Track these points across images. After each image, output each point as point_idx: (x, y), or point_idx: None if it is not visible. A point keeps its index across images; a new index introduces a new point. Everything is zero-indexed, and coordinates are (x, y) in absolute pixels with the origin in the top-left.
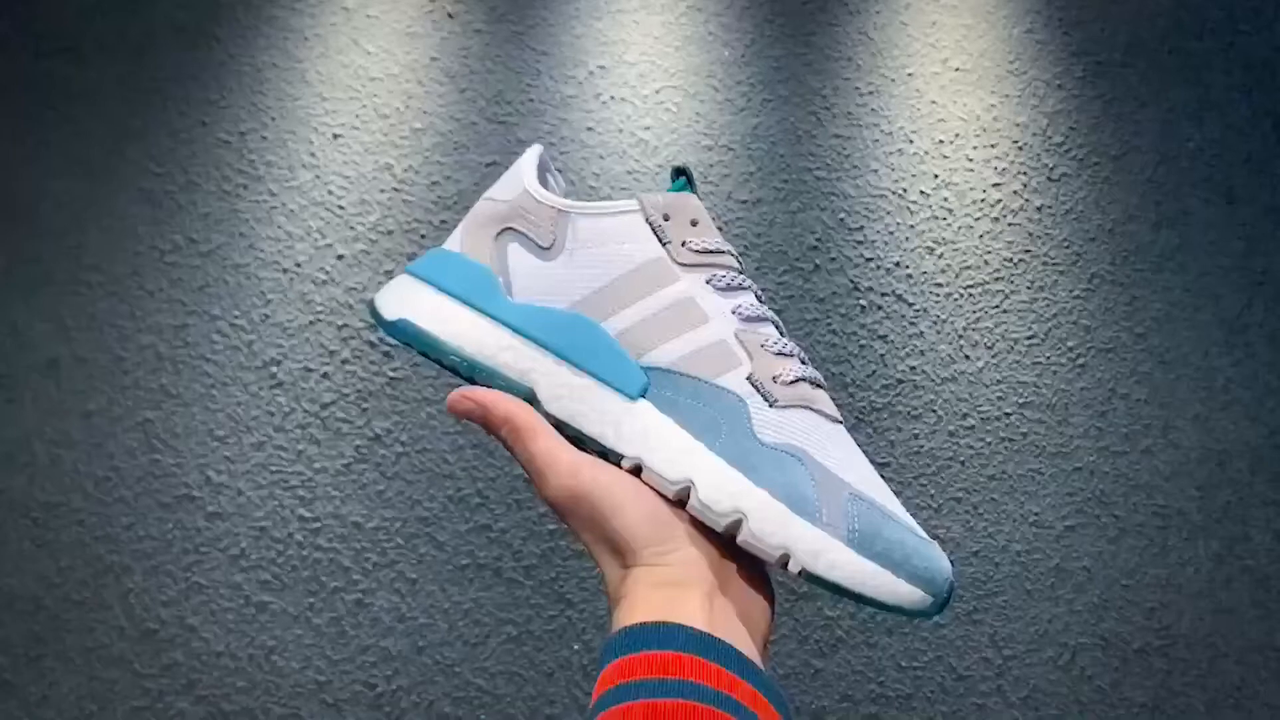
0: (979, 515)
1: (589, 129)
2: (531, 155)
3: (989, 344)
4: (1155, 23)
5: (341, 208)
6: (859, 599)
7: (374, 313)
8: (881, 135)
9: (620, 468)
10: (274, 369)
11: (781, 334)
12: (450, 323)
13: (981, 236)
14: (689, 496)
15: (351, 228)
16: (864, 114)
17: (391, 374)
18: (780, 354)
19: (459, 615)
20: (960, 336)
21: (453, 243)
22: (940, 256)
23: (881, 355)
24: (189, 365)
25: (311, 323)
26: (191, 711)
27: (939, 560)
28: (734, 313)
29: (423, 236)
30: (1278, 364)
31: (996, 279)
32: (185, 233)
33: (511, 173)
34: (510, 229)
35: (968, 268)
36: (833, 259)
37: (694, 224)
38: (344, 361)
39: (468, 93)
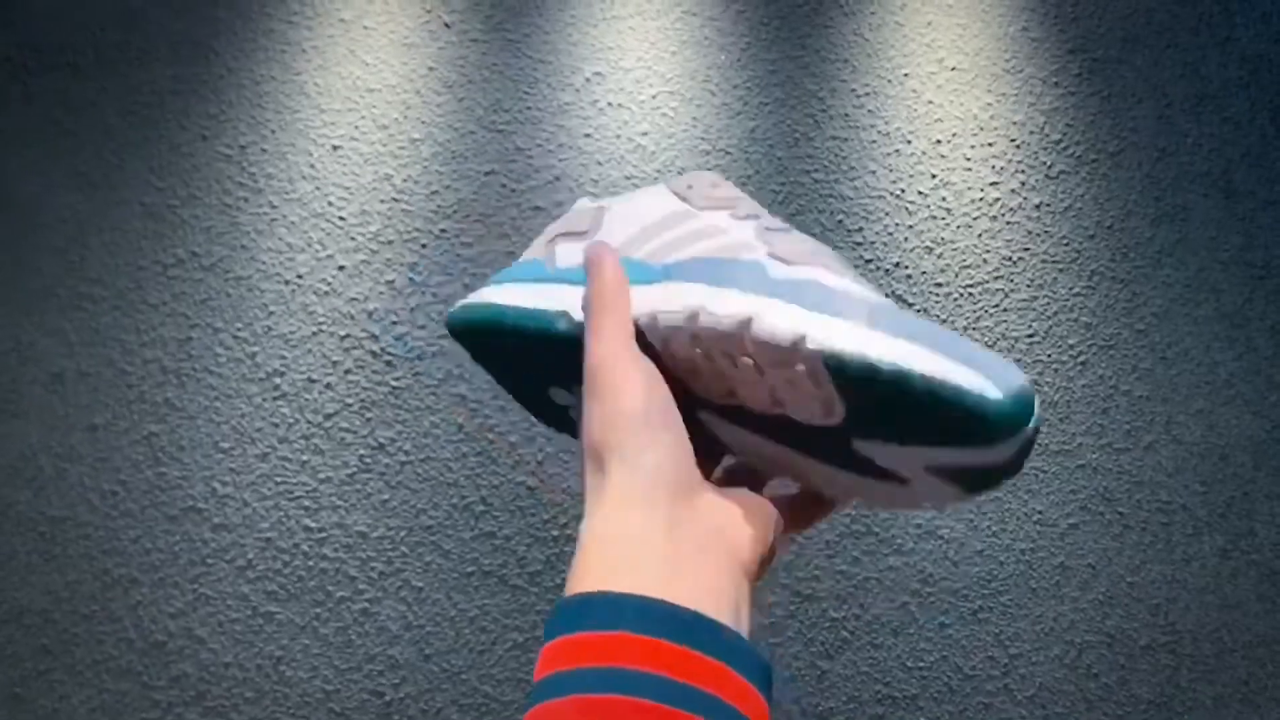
0: (983, 514)
1: (586, 135)
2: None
3: (990, 343)
4: (1152, 17)
5: (342, 219)
6: (899, 384)
7: (449, 321)
8: (879, 136)
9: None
10: (277, 380)
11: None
12: (496, 295)
13: (980, 235)
14: (699, 316)
15: (352, 238)
16: (861, 115)
17: (394, 383)
18: (781, 230)
19: (465, 623)
20: (961, 336)
21: (533, 249)
22: (939, 256)
23: None
24: (193, 378)
25: (314, 334)
26: None
27: (1007, 365)
28: (752, 222)
29: (423, 246)
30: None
31: (996, 278)
32: (187, 246)
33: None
34: (560, 234)
35: (967, 267)
36: None
37: (714, 185)
38: (346, 372)
39: (465, 102)
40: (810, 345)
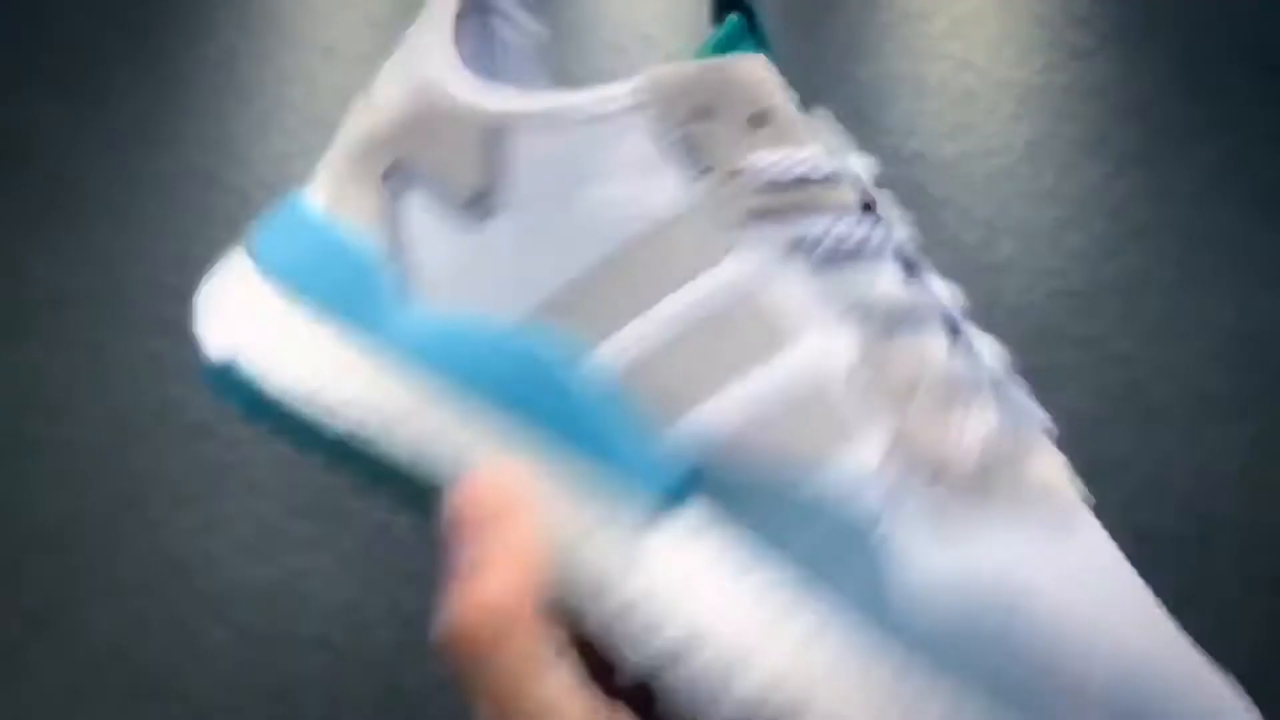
0: None
1: (590, 25)
2: (446, 5)
3: (1015, 232)
4: None
5: (337, 123)
6: None
7: (199, 343)
8: (896, 16)
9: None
10: None
11: (956, 334)
12: (306, 363)
13: (1004, 119)
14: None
15: None
16: None
17: None
18: (946, 397)
19: None
20: (985, 225)
21: (313, 190)
22: (961, 142)
23: None
24: (193, 294)
25: None
26: (224, 638)
27: None
28: (855, 306)
29: None
30: None
31: (1020, 163)
32: (179, 158)
33: (408, 45)
34: (404, 165)
35: (990, 153)
36: None
37: (756, 123)
38: None
39: None
40: None
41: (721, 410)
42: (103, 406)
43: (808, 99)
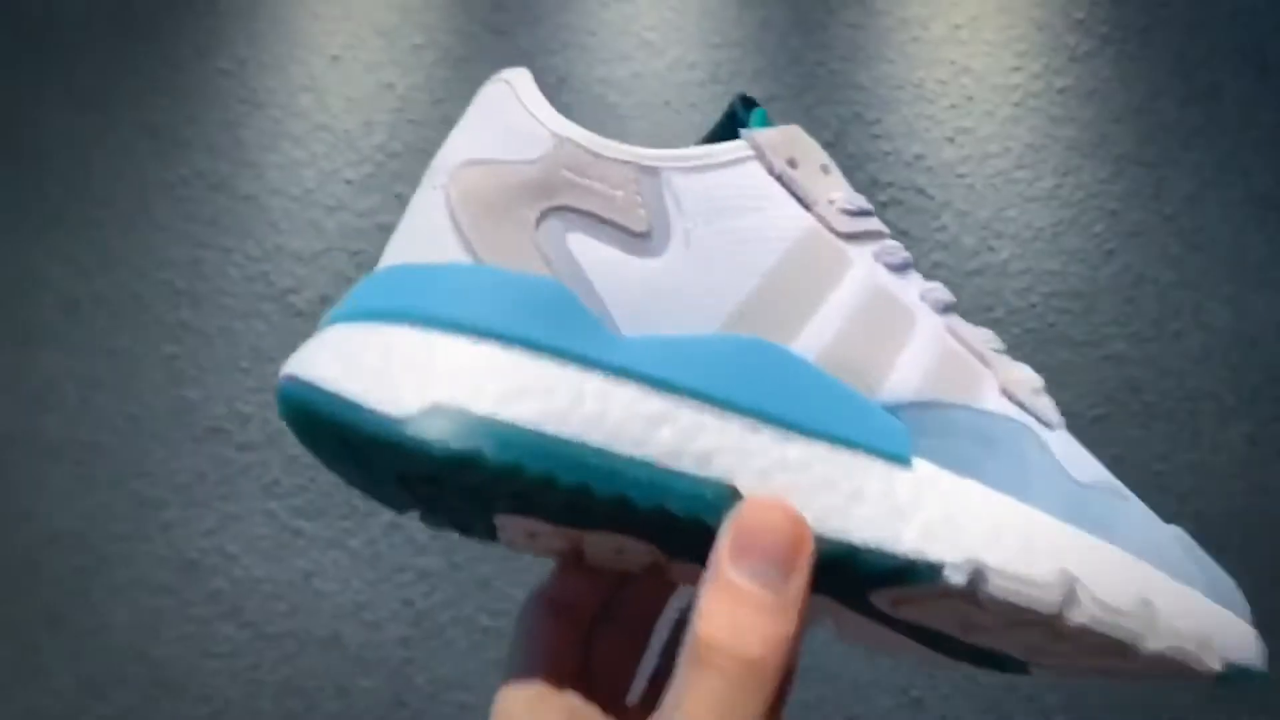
0: None
1: (591, 33)
2: (525, 80)
3: (1013, 234)
4: None
5: (346, 130)
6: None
7: (322, 409)
8: (895, 22)
9: (932, 584)
10: (291, 298)
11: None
12: (533, 395)
13: (1002, 123)
14: (1076, 599)
15: (357, 151)
16: (877, 1)
17: None
18: (1000, 352)
19: None
20: (984, 228)
21: (441, 246)
22: (961, 146)
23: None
24: (207, 299)
25: (325, 250)
26: (237, 636)
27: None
28: (924, 299)
29: (430, 156)
30: None
31: (1019, 167)
32: (191, 165)
33: (510, 113)
34: (561, 208)
35: (990, 156)
36: (850, 154)
37: (825, 170)
38: None
39: (466, 3)
40: (1214, 664)
41: (905, 379)
42: (119, 409)
43: (810, 104)
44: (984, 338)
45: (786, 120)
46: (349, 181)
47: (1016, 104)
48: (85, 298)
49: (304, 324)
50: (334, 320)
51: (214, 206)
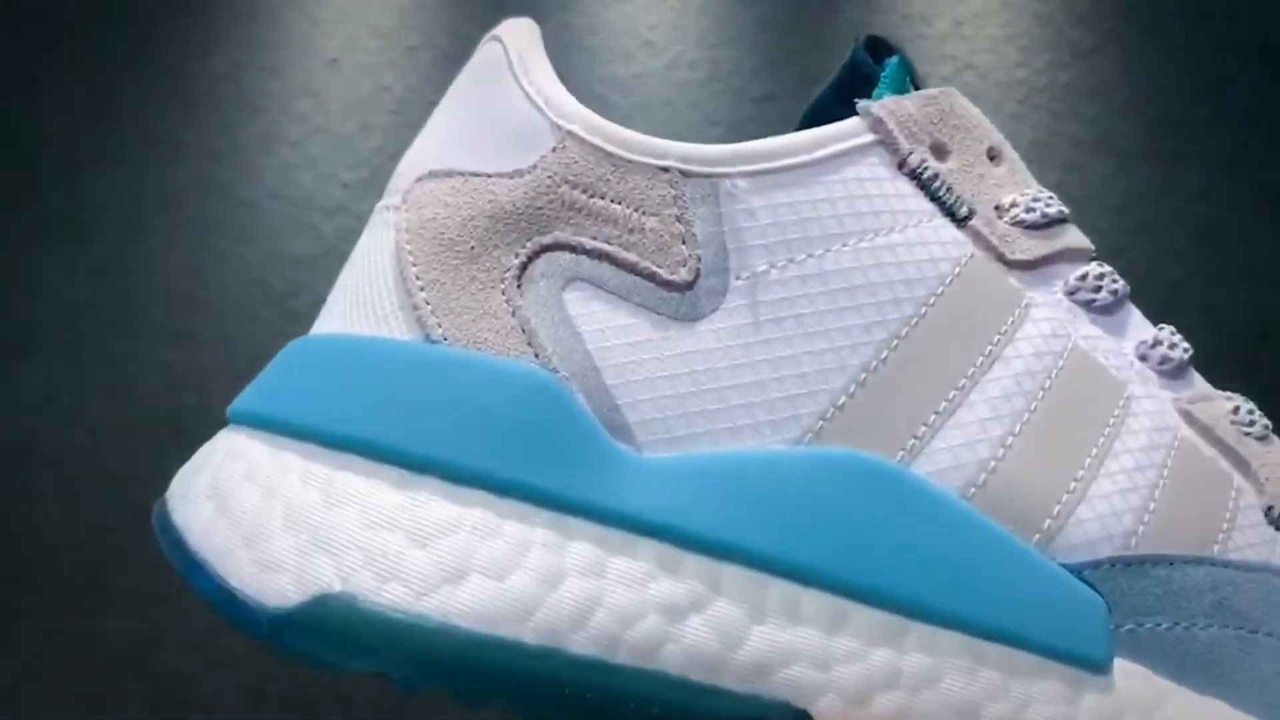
0: None
1: (591, 33)
2: (526, 38)
3: None
4: None
5: (344, 134)
6: None
7: (189, 576)
8: (898, 19)
9: None
10: (290, 303)
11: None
12: (479, 573)
13: (1007, 119)
14: None
15: (355, 154)
16: None
17: None
18: (1264, 435)
19: None
20: None
21: (380, 309)
22: None
23: None
24: (205, 305)
25: (324, 254)
26: (240, 645)
27: None
28: (1144, 357)
29: None
30: None
31: (1025, 163)
32: (189, 169)
33: (498, 92)
34: (559, 248)
35: None
36: None
37: (993, 158)
38: None
39: (462, 4)
40: None
41: (1108, 513)
42: (116, 417)
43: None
44: (1235, 412)
45: (786, 117)
46: (346, 185)
47: (1020, 100)
48: (79, 304)
49: (302, 329)
50: (233, 415)
51: (211, 211)
